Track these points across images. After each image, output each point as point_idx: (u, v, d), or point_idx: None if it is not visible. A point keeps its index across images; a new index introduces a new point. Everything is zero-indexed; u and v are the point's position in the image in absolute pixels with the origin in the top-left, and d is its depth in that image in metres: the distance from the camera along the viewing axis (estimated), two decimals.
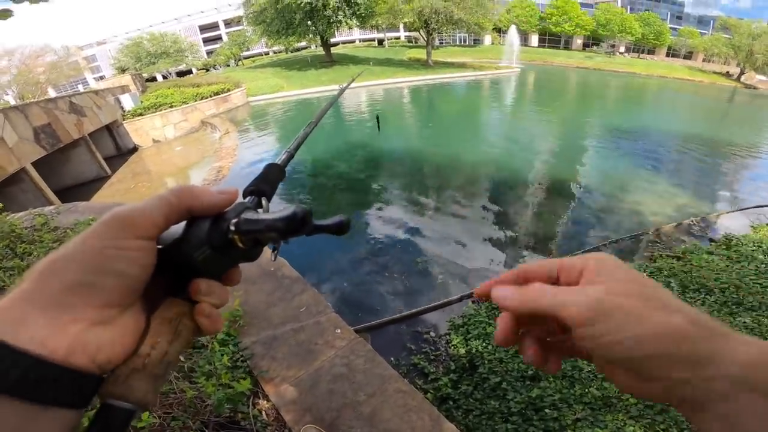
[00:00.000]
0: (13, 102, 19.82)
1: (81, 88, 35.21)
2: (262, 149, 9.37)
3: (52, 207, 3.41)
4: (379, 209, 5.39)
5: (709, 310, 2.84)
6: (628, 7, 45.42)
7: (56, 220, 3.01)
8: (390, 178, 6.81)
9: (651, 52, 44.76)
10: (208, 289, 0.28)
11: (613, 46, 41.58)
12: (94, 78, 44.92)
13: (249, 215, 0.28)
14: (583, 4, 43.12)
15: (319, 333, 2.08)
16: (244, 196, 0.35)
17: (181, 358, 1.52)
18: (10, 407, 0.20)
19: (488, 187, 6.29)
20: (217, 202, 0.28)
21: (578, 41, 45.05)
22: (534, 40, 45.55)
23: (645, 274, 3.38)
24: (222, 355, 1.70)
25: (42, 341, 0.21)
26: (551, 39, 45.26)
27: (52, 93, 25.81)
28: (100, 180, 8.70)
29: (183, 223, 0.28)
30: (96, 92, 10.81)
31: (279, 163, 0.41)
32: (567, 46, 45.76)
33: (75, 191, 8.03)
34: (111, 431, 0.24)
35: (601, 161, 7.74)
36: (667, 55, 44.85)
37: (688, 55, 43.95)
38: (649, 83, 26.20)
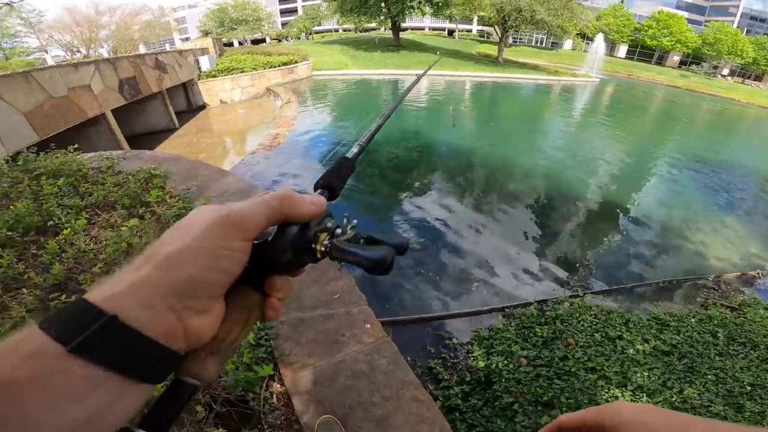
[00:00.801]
0: (105, 55, 21.87)
1: (167, 47, 38.16)
2: (318, 122, 9.51)
3: (120, 152, 3.66)
4: (424, 203, 5.22)
5: (749, 363, 2.76)
6: (745, 29, 40.03)
7: (121, 165, 3.20)
8: (439, 172, 6.58)
9: (758, 78, 39.15)
10: (281, 286, 0.31)
11: (715, 67, 36.75)
12: (181, 39, 48.50)
13: (341, 243, 0.30)
14: (691, 21, 38.54)
15: (347, 324, 1.99)
16: (315, 189, 0.37)
17: None
18: (111, 381, 0.22)
19: (539, 199, 5.84)
20: (311, 213, 0.31)
21: (674, 57, 40.46)
22: (622, 50, 41.64)
23: (693, 321, 3.15)
24: (248, 333, 1.65)
25: (158, 324, 0.24)
26: (642, 52, 41.08)
27: (142, 49, 28.24)
28: (168, 131, 9.34)
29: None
30: (180, 52, 11.55)
31: (351, 156, 0.42)
32: (660, 62, 41.28)
33: (144, 138, 8.70)
34: (179, 404, 0.26)
35: (669, 191, 6.88)
36: None
37: None
38: (747, 112, 22.91)
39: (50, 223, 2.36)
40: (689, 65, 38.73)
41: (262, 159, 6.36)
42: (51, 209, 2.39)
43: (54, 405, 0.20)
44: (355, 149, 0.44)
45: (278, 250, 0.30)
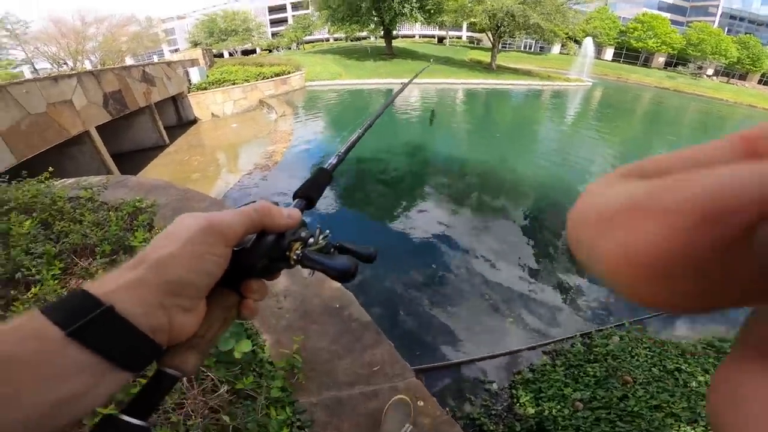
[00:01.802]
0: (89, 68, 21.29)
1: (155, 58, 37.64)
2: (316, 135, 9.15)
3: (101, 178, 3.25)
4: (432, 226, 4.86)
5: None
6: (726, 28, 40.92)
7: (102, 195, 2.80)
8: (450, 191, 6.24)
9: (742, 77, 40.02)
10: (257, 288, 0.33)
11: (700, 67, 37.41)
12: (170, 50, 48.07)
13: (311, 253, 0.33)
14: (673, 22, 39.31)
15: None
16: (294, 198, 0.41)
17: (225, 418, 1.28)
18: (97, 366, 0.24)
19: (554, 219, 5.49)
20: (286, 225, 0.34)
21: (660, 59, 41.16)
22: (608, 53, 42.26)
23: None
24: (281, 426, 1.32)
25: (149, 319, 0.26)
26: (628, 54, 41.75)
27: (129, 62, 27.68)
28: (157, 148, 8.88)
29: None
30: (168, 63, 11.13)
31: (328, 168, 0.44)
32: (646, 63, 41.95)
33: (132, 156, 8.24)
34: (161, 393, 0.28)
35: None
36: (760, 82, 39.93)
37: None
38: (735, 112, 23.03)
39: (18, 275, 1.97)
40: (674, 66, 39.42)
41: (260, 180, 5.93)
42: (18, 258, 2.00)
43: (44, 383, 0.22)
44: (333, 160, 0.45)
45: (255, 257, 0.32)
